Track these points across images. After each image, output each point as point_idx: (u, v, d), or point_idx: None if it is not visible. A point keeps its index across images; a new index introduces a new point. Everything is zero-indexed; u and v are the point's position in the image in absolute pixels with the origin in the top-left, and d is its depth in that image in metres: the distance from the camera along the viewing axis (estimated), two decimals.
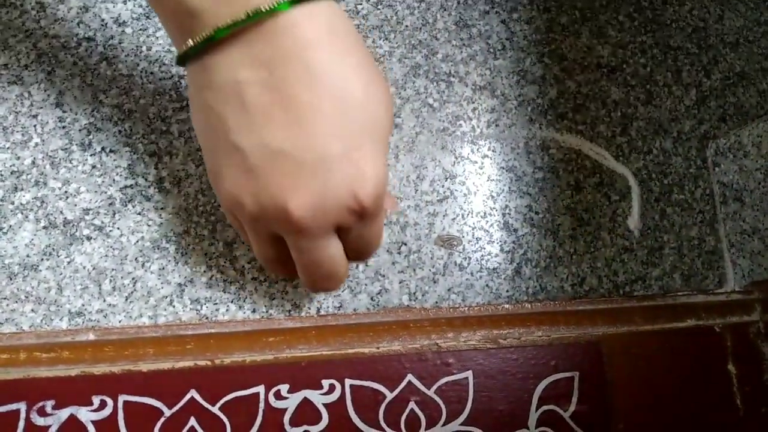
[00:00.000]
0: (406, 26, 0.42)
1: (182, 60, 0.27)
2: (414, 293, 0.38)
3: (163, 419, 0.27)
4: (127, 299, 0.35)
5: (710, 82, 0.45)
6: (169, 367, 0.28)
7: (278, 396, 0.28)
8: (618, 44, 0.45)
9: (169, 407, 0.27)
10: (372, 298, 0.37)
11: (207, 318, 0.35)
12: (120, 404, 0.27)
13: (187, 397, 0.28)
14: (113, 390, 0.27)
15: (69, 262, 0.35)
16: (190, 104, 0.29)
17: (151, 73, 0.38)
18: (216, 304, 0.35)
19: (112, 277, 0.35)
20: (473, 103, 0.41)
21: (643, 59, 0.45)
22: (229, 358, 0.28)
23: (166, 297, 0.35)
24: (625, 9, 0.46)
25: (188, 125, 0.38)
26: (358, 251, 0.30)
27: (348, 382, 0.29)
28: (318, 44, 0.25)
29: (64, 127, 0.37)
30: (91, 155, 0.37)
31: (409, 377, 0.29)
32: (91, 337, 0.28)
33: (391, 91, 0.27)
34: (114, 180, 0.36)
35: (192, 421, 0.27)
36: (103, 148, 0.37)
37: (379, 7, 0.42)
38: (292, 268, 0.30)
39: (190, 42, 0.25)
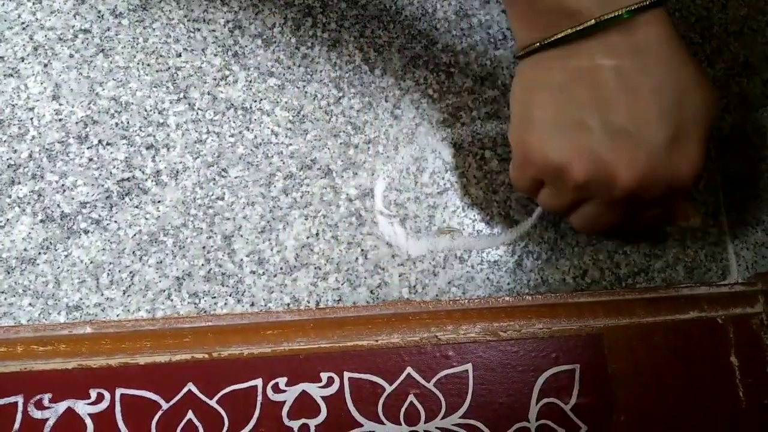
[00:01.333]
0: (406, 16, 0.41)
1: (543, 46, 0.31)
2: (414, 286, 0.37)
3: (160, 412, 0.27)
4: (124, 293, 0.35)
5: (714, 72, 0.44)
6: (166, 360, 0.28)
7: (276, 389, 0.28)
8: None
9: (167, 400, 0.27)
10: (371, 291, 0.37)
11: (205, 312, 0.35)
12: (117, 397, 0.27)
13: (185, 390, 0.27)
14: (110, 383, 0.27)
15: (66, 256, 0.35)
16: (521, 83, 0.33)
17: (148, 64, 0.38)
18: (214, 297, 0.35)
19: (109, 270, 0.35)
20: (474, 93, 0.41)
21: None
22: (227, 351, 0.28)
23: (164, 291, 0.35)
24: None
25: (185, 117, 0.37)
26: (646, 221, 0.35)
27: (347, 374, 0.29)
28: (664, 41, 0.30)
29: (60, 120, 0.36)
30: (87, 148, 0.36)
31: (408, 370, 0.29)
32: (89, 330, 0.28)
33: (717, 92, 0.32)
34: (111, 173, 0.36)
35: (190, 414, 0.27)
36: (100, 141, 0.37)
37: None
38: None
39: (566, 31, 0.30)
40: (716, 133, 0.43)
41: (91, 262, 0.35)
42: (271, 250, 0.36)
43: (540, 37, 0.31)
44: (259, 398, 0.28)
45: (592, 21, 0.29)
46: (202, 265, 0.36)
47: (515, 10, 0.33)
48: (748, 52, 0.45)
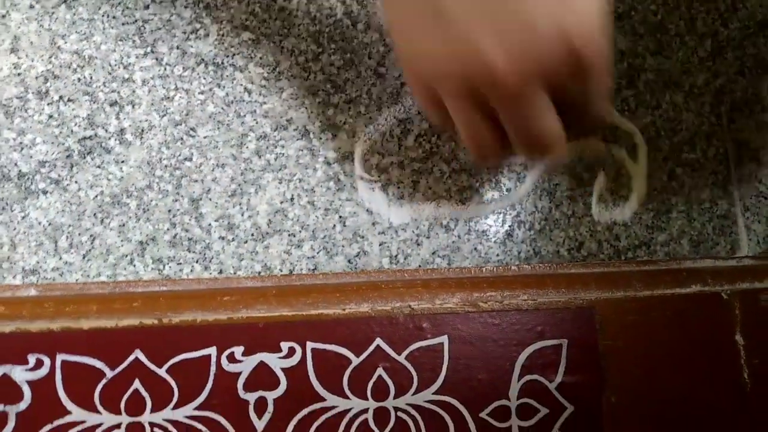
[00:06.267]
0: None
1: None
2: (395, 256, 0.35)
3: (104, 381, 0.25)
4: (84, 257, 0.33)
5: (727, 32, 0.41)
6: (112, 325, 0.25)
7: (231, 359, 0.26)
8: None
9: (112, 368, 0.25)
10: (350, 261, 0.34)
11: (170, 279, 0.33)
12: (58, 364, 0.25)
13: (131, 357, 0.25)
14: (51, 348, 0.25)
15: (23, 217, 0.33)
16: None
17: (114, 17, 0.36)
18: (180, 264, 0.33)
19: (68, 233, 0.33)
20: None
21: (654, 6, 0.41)
22: (179, 318, 0.26)
23: (126, 255, 0.33)
24: None
25: (152, 73, 0.35)
26: (577, 114, 0.27)
27: (310, 345, 0.26)
28: None
29: (19, 74, 0.34)
30: (48, 104, 0.34)
31: (378, 341, 0.27)
32: (33, 292, 0.26)
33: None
34: (72, 131, 0.34)
35: (136, 384, 0.25)
36: (60, 97, 0.34)
37: None
38: (499, 147, 0.28)
39: None
40: (727, 97, 0.40)
41: (50, 224, 0.33)
42: (242, 215, 0.34)
43: None
44: (213, 368, 0.26)
45: None
46: (168, 229, 0.33)
47: None
48: (766, 10, 0.42)
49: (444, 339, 0.27)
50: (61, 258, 0.32)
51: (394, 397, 0.26)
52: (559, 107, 0.26)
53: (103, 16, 0.35)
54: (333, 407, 0.26)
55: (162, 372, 0.25)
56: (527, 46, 0.24)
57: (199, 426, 0.25)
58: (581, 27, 0.24)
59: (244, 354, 0.26)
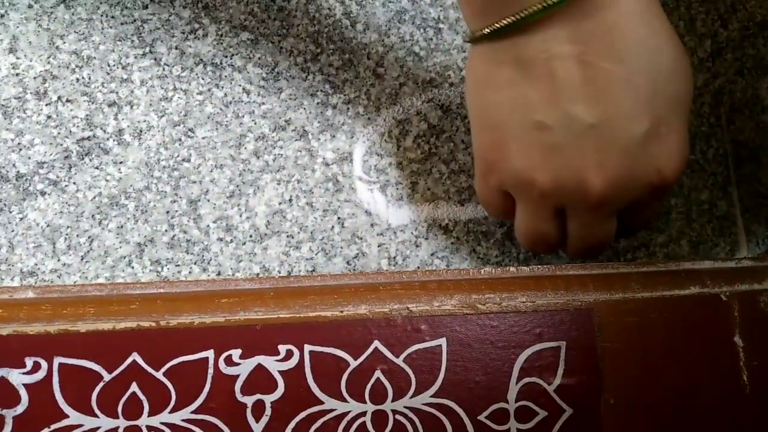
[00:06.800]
0: None
1: (489, 36, 0.26)
2: (394, 257, 0.35)
3: (102, 384, 0.25)
4: (82, 259, 0.33)
5: (727, 33, 0.41)
6: (109, 328, 0.25)
7: (229, 362, 0.26)
8: None
9: (109, 371, 0.25)
10: (348, 263, 0.34)
11: (167, 281, 0.33)
12: (55, 367, 0.25)
13: (129, 360, 0.25)
14: (48, 351, 0.25)
15: (21, 219, 0.33)
16: (473, 80, 0.29)
17: (113, 17, 0.35)
18: (178, 265, 0.33)
19: (67, 235, 0.33)
20: (464, 51, 0.38)
21: None
22: (176, 320, 0.26)
23: (125, 257, 0.33)
24: None
25: (150, 73, 0.35)
26: (634, 226, 0.30)
27: (307, 348, 0.26)
28: (637, 16, 0.25)
29: (17, 75, 0.34)
30: (46, 105, 0.34)
31: (376, 344, 0.27)
32: (30, 294, 0.26)
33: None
34: (70, 131, 0.34)
35: (134, 387, 0.25)
36: (59, 97, 0.34)
37: None
38: (555, 245, 0.30)
39: (507, 20, 0.25)
40: (727, 98, 0.40)
41: (48, 226, 0.33)
42: (240, 216, 0.34)
43: (487, 23, 0.26)
44: (210, 371, 0.26)
45: (538, 7, 0.24)
46: (166, 230, 0.33)
47: None
48: (766, 12, 0.42)
49: (442, 341, 0.27)
50: (59, 260, 0.32)
51: (392, 400, 0.26)
52: (626, 215, 0.29)
53: (101, 15, 0.35)
54: (331, 410, 0.26)
55: (159, 375, 0.25)
56: (626, 179, 0.26)
57: (197, 429, 0.25)
58: (672, 165, 0.27)
59: (241, 357, 0.26)
